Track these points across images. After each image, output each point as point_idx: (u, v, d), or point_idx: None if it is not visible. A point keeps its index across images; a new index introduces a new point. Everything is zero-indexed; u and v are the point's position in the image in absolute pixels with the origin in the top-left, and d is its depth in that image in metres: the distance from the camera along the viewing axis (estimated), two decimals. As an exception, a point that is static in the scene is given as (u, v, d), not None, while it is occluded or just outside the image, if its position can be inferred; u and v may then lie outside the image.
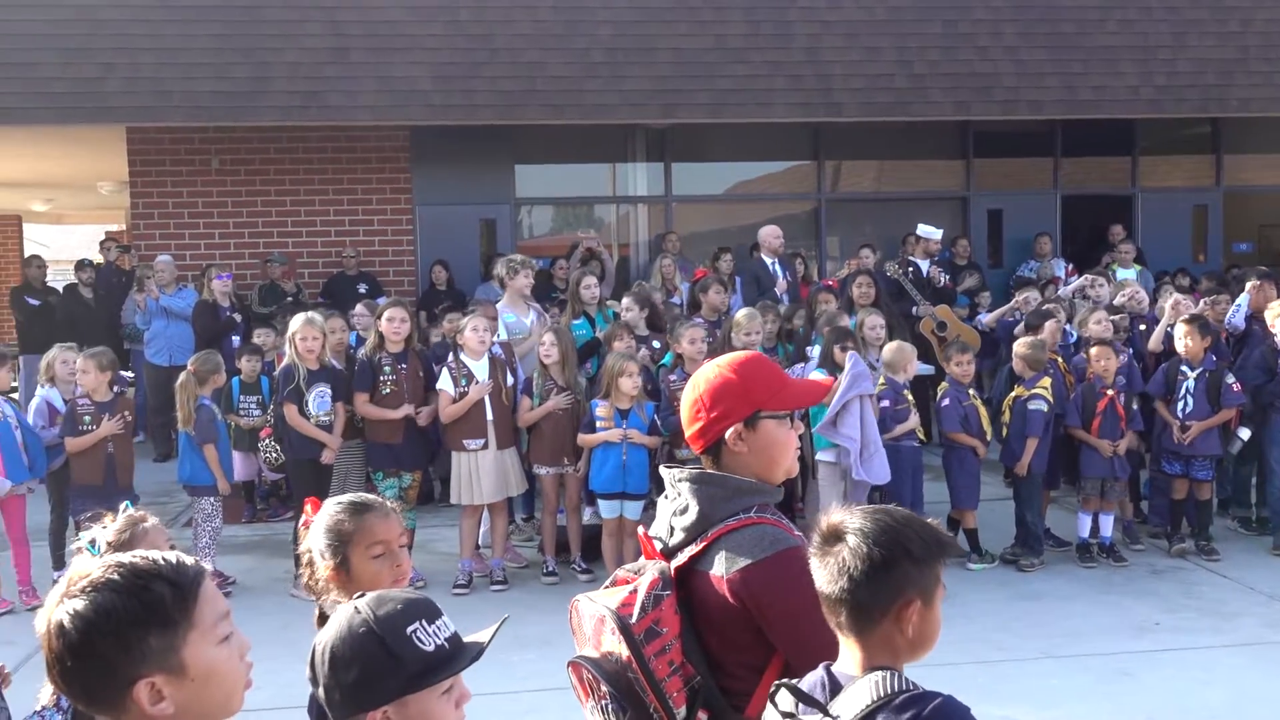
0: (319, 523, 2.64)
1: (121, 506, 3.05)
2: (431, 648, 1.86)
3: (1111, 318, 8.68)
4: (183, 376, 7.76)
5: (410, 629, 1.86)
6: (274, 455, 8.35)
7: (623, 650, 2.31)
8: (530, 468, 7.87)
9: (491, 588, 7.46)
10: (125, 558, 1.68)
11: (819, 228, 13.97)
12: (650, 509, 7.39)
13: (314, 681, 1.93)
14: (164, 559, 1.69)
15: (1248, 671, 5.94)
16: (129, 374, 11.75)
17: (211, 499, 7.62)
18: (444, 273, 12.21)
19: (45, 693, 2.87)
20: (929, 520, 2.05)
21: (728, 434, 2.45)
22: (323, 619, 2.60)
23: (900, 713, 1.88)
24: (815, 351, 8.11)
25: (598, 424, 7.34)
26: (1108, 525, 7.93)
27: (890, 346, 7.87)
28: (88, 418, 7.33)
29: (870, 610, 1.96)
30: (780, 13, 11.77)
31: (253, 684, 1.76)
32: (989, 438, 7.97)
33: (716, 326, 8.81)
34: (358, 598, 1.95)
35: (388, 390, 7.63)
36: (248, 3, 11.10)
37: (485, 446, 7.46)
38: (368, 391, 7.61)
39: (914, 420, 7.70)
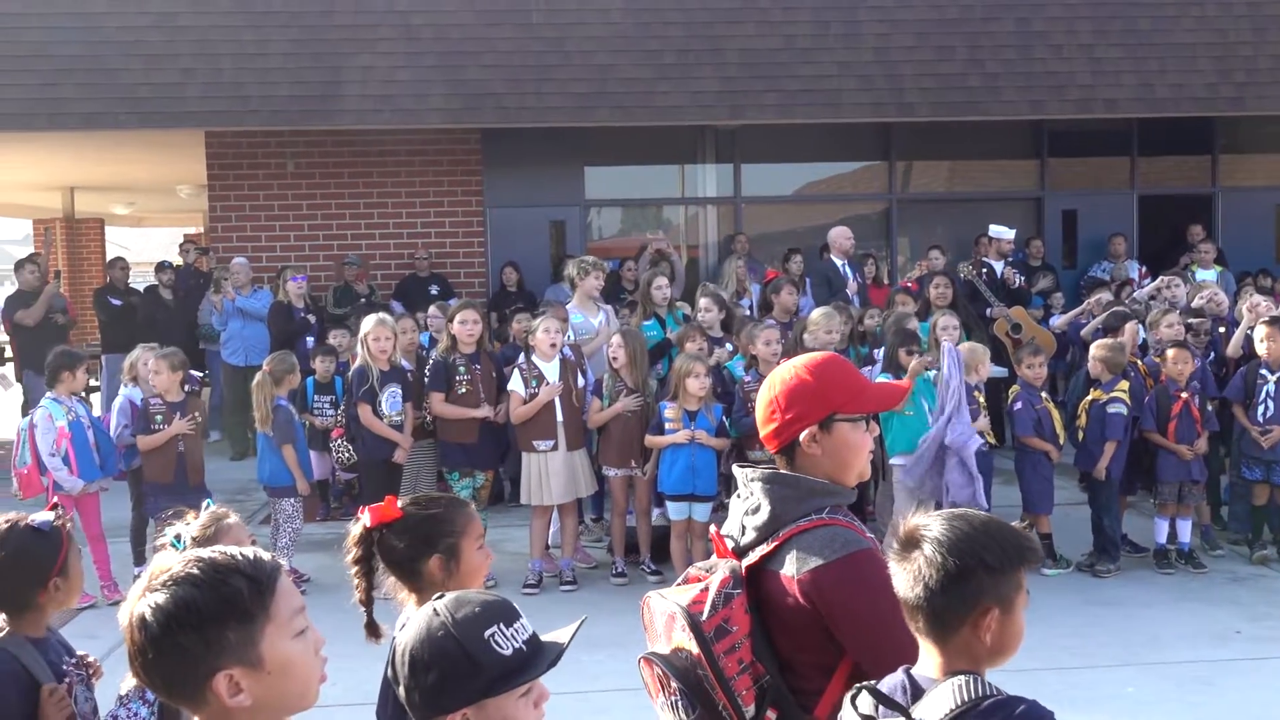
0: (415, 518, 2.66)
1: (204, 504, 3.12)
2: (509, 652, 1.87)
3: (1190, 320, 8.51)
4: (259, 377, 7.89)
5: (488, 633, 1.87)
6: (346, 455, 8.45)
7: (693, 647, 2.32)
8: (600, 469, 7.90)
9: (561, 588, 7.50)
10: (205, 553, 1.72)
11: (890, 229, 13.85)
12: (719, 510, 7.38)
13: (395, 681, 1.95)
14: (242, 554, 1.73)
15: (1333, 682, 5.79)
16: (199, 374, 12.00)
17: (292, 500, 7.73)
18: (514, 274, 12.30)
19: (128, 683, 2.94)
20: (1013, 524, 2.03)
21: (802, 436, 2.45)
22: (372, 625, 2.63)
23: (987, 718, 1.86)
24: (880, 354, 8.05)
25: (666, 425, 7.34)
26: (1185, 531, 7.77)
27: (964, 346, 7.78)
28: (159, 417, 7.48)
29: (947, 618, 1.95)
30: (849, 12, 11.69)
31: (327, 678, 1.79)
32: (1062, 441, 7.85)
33: (788, 328, 8.78)
34: (437, 599, 1.96)
35: (464, 390, 7.71)
36: (322, 7, 11.28)
37: (555, 448, 7.50)
38: (443, 391, 7.69)
39: (983, 422, 7.61)
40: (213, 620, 1.65)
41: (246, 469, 10.52)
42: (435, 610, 1.92)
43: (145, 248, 27.64)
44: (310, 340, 10.59)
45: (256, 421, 7.87)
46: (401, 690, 1.92)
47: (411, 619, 1.98)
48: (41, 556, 2.89)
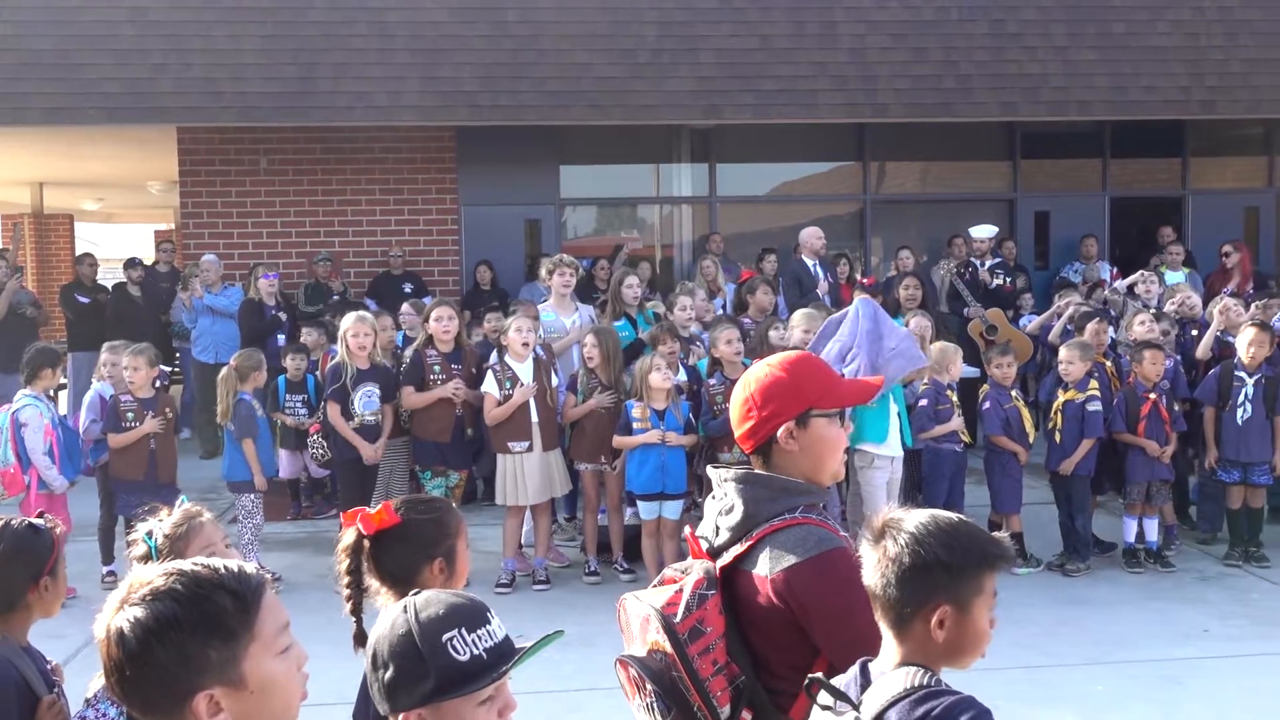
0: (416, 524, 2.62)
1: (178, 501, 3.09)
2: (466, 657, 1.81)
3: (1162, 324, 8.57)
4: (224, 370, 7.89)
5: (447, 636, 1.82)
6: (321, 452, 8.43)
7: (667, 648, 2.32)
8: (572, 463, 7.89)
9: (534, 587, 7.49)
10: (187, 565, 1.67)
11: (864, 229, 13.90)
12: (690, 509, 7.38)
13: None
14: (226, 568, 1.67)
15: (1300, 681, 5.85)
16: (168, 368, 11.91)
17: (252, 495, 7.71)
18: (488, 273, 12.26)
19: (96, 683, 2.91)
20: (990, 532, 2.04)
21: (779, 432, 2.45)
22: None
23: (916, 707, 1.89)
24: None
25: (634, 425, 7.34)
26: (1153, 530, 7.83)
27: (935, 346, 7.82)
28: (130, 414, 7.43)
29: (900, 610, 1.99)
30: (825, 13, 11.72)
31: (308, 695, 1.75)
32: (1031, 441, 7.89)
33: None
34: (414, 594, 1.93)
35: (437, 385, 7.68)
36: (296, 3, 11.21)
37: (530, 448, 7.48)
38: (415, 385, 7.66)
39: (956, 422, 7.64)
40: (194, 638, 1.59)
41: (215, 467, 10.43)
42: (405, 607, 1.89)
43: (115, 244, 27.39)
44: (281, 338, 10.54)
45: (218, 414, 7.85)
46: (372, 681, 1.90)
47: (385, 611, 1.96)
48: (37, 551, 2.88)
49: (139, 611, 1.60)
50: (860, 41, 11.75)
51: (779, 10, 11.67)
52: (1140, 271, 10.03)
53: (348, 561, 2.57)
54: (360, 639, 2.54)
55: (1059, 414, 7.75)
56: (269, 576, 1.75)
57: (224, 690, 1.61)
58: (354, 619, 2.56)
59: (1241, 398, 7.82)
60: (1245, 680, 5.86)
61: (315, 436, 8.56)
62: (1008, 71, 11.96)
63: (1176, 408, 7.97)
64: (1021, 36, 11.94)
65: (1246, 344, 7.86)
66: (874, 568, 2.02)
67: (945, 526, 2.00)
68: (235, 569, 1.67)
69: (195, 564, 1.68)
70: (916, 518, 2.01)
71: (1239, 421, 7.82)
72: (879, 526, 2.04)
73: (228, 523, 8.51)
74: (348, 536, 2.58)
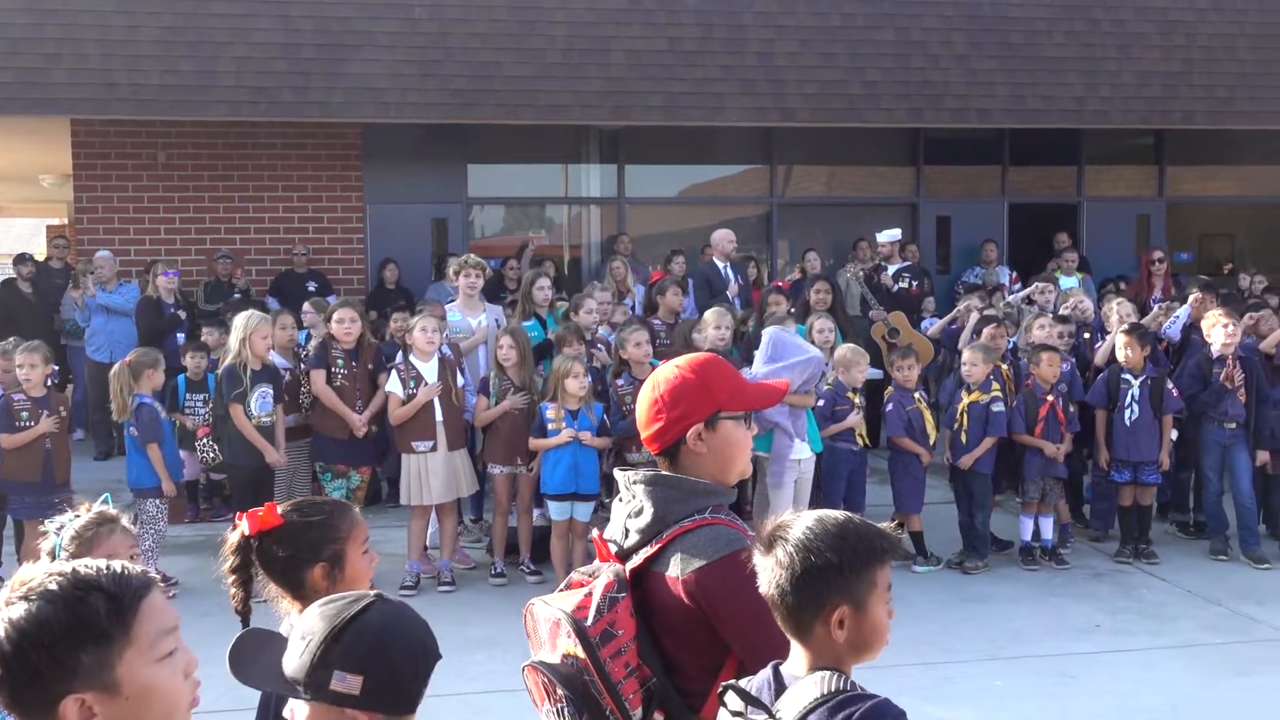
0: (298, 526, 2.58)
1: (102, 497, 2.99)
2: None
3: (1063, 326, 8.80)
4: (117, 366, 7.64)
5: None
6: (211, 455, 8.17)
7: (579, 652, 2.30)
8: (484, 467, 7.84)
9: (439, 589, 7.42)
10: (69, 566, 1.62)
11: (770, 231, 14.04)
12: (600, 510, 7.39)
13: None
14: (108, 568, 1.62)
15: (1185, 673, 6.05)
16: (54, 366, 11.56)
17: (157, 500, 7.51)
18: (394, 272, 12.13)
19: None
20: (877, 525, 2.07)
21: (689, 434, 2.46)
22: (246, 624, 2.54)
23: (835, 713, 1.90)
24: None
25: (548, 426, 7.32)
26: (1048, 528, 8.04)
27: (843, 348, 7.94)
28: (25, 413, 7.21)
29: (800, 616, 1.99)
30: (734, 16, 11.82)
31: (199, 702, 1.70)
32: (933, 442, 8.05)
33: (674, 329, 8.84)
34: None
35: (339, 384, 7.58)
36: (197, -5, 10.97)
37: (434, 448, 7.42)
38: (324, 369, 7.55)
39: (852, 420, 7.73)
40: (64, 640, 1.54)
41: (110, 469, 10.18)
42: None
43: (4, 239, 26.52)
44: (181, 337, 10.30)
45: (114, 412, 7.63)
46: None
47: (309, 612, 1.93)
48: None
49: (15, 611, 1.56)
50: (768, 46, 11.87)
51: (688, 14, 11.74)
52: (1035, 285, 10.27)
53: (231, 560, 2.53)
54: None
55: (965, 415, 7.91)
56: (159, 579, 1.70)
57: (96, 695, 1.56)
58: (240, 618, 2.52)
59: (1129, 400, 8.06)
60: (1134, 673, 6.04)
61: (205, 440, 8.33)
62: (912, 79, 12.18)
63: (1071, 409, 8.20)
64: (925, 45, 12.17)
65: (1120, 348, 8.13)
66: (768, 576, 2.02)
67: (832, 527, 2.00)
68: (116, 570, 1.62)
69: (80, 565, 1.63)
70: (804, 522, 2.02)
71: (1127, 423, 8.06)
72: (768, 535, 2.04)
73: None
74: (232, 536, 2.54)
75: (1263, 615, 6.92)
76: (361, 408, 7.63)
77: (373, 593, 1.94)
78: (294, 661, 1.86)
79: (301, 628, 1.89)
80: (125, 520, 2.88)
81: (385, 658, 1.82)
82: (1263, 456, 8.25)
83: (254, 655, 2.00)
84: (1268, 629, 6.71)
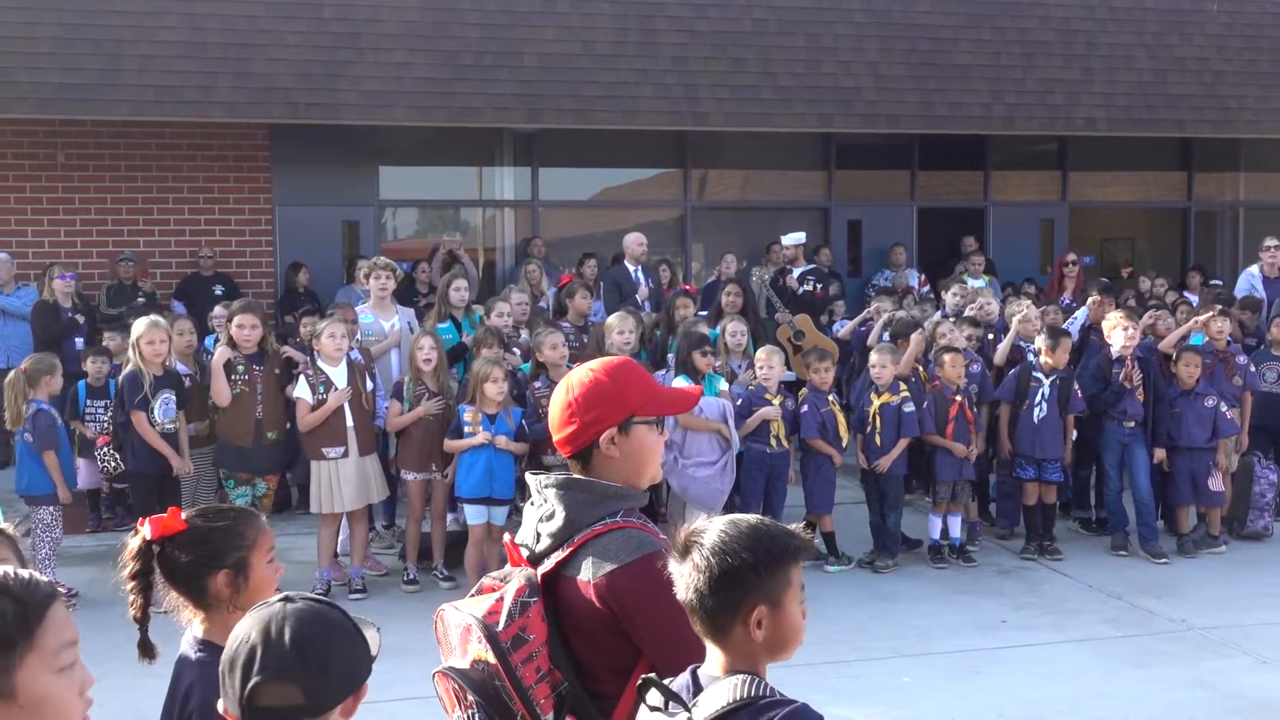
0: (201, 531, 2.52)
1: None
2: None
3: (968, 330, 8.95)
4: (11, 374, 7.47)
5: None
6: (113, 464, 7.92)
7: (490, 658, 2.29)
8: (397, 472, 7.74)
9: (350, 596, 7.32)
10: None
11: (684, 235, 14.10)
12: (515, 515, 7.35)
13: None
14: (15, 575, 1.60)
15: (1088, 666, 6.21)
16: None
17: (51, 508, 7.31)
18: (304, 275, 11.94)
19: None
20: (787, 525, 2.09)
21: (601, 439, 2.46)
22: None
23: (755, 718, 1.92)
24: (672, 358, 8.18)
25: (465, 429, 7.27)
26: (957, 526, 8.19)
27: (763, 350, 7.97)
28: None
29: (719, 619, 2.01)
30: (647, 20, 11.86)
31: None
32: (845, 445, 8.15)
33: (584, 332, 8.82)
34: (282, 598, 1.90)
35: (238, 391, 7.42)
36: (98, -9, 10.70)
37: (345, 454, 7.32)
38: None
39: (766, 411, 7.72)
40: None
41: (3, 477, 9.87)
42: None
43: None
44: (80, 341, 10.03)
45: (7, 421, 7.41)
46: None
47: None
48: None
49: None
50: (682, 50, 11.92)
51: (602, 17, 11.75)
52: (957, 286, 10.42)
53: (131, 566, 2.47)
54: (145, 648, 2.46)
55: (877, 416, 8.02)
56: (62, 591, 1.67)
57: None
58: (138, 626, 2.46)
59: (1039, 397, 8.25)
60: (1038, 668, 6.18)
61: (105, 449, 8.11)
62: (823, 84, 12.33)
63: (979, 410, 8.36)
64: (836, 51, 12.33)
65: (1040, 352, 8.31)
66: (685, 582, 2.04)
67: (745, 529, 2.03)
68: (26, 577, 1.60)
69: None
70: (717, 526, 2.05)
71: (1035, 420, 8.25)
72: (682, 541, 2.06)
73: (21, 535, 8.05)
74: (133, 541, 2.48)
75: (1161, 609, 7.14)
76: (262, 414, 7.48)
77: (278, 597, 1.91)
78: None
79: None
80: (13, 529, 2.80)
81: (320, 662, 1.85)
82: (1160, 454, 8.50)
83: None
84: (1165, 621, 6.92)
